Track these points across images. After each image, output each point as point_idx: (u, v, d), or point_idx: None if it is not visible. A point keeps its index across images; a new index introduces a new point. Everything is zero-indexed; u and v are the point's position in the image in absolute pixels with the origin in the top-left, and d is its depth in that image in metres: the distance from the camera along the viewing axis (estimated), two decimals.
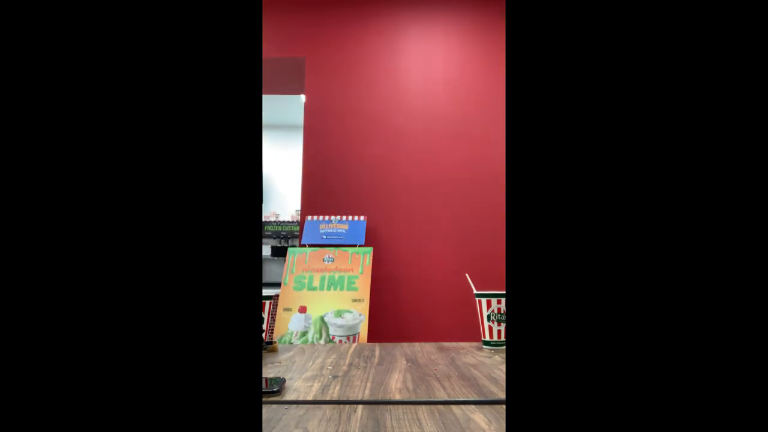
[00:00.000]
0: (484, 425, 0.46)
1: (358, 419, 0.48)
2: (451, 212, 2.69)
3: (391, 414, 0.49)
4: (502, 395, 0.57)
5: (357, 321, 2.28)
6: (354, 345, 1.01)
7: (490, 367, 0.75)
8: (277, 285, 2.94)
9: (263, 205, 6.12)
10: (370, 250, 2.50)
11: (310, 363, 0.80)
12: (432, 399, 0.55)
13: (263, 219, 5.99)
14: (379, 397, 0.56)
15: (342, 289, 2.39)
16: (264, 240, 5.90)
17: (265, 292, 0.97)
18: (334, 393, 0.59)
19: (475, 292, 1.00)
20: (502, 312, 0.96)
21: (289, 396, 0.57)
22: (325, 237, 2.59)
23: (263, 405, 0.53)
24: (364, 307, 2.32)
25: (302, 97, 3.06)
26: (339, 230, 2.58)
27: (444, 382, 0.64)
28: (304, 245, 2.60)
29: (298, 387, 0.62)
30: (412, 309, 2.56)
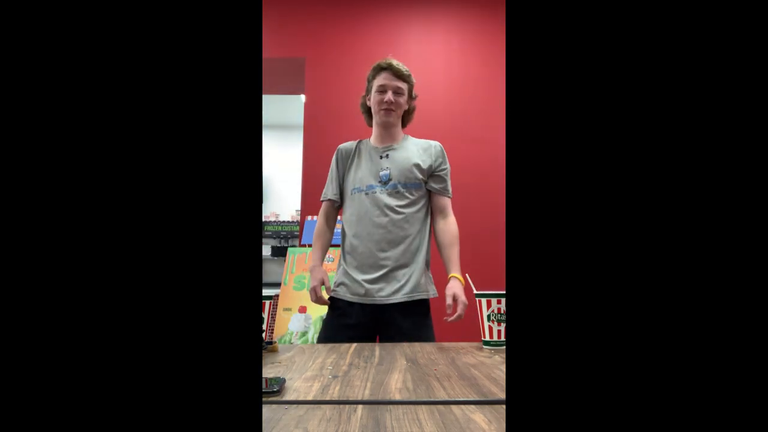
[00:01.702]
0: (484, 425, 0.46)
1: (358, 419, 0.48)
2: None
3: (391, 414, 0.49)
4: (502, 395, 0.57)
5: None
6: (354, 345, 1.01)
7: (490, 367, 0.75)
8: (277, 285, 2.93)
9: (263, 205, 6.12)
10: None
11: (310, 363, 0.80)
12: (432, 399, 0.55)
13: (263, 219, 5.99)
14: (379, 397, 0.56)
15: None
16: (264, 240, 5.90)
17: (265, 292, 0.97)
18: (334, 393, 0.59)
19: (475, 292, 1.00)
20: (502, 312, 0.96)
21: (289, 396, 0.57)
22: None
23: (263, 405, 0.53)
24: None
25: (302, 97, 3.05)
26: (339, 230, 2.58)
27: (444, 382, 0.64)
28: (304, 245, 2.60)
29: (298, 387, 0.62)
30: None
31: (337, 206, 1.52)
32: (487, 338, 0.97)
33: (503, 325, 0.96)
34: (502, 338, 0.96)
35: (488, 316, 0.96)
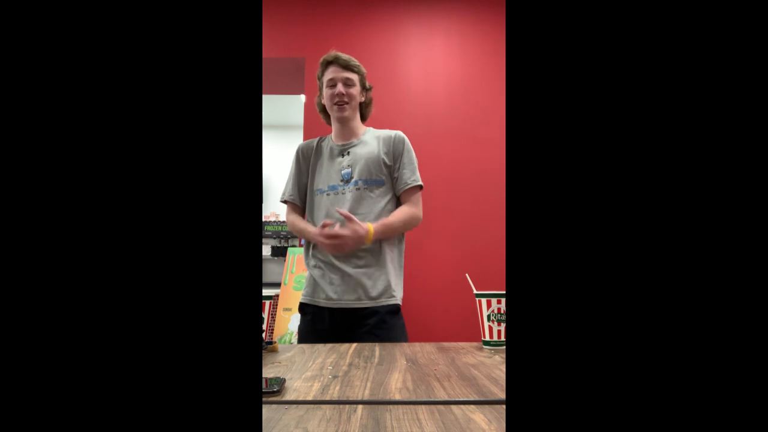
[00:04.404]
0: (484, 425, 0.46)
1: (358, 419, 0.48)
2: (451, 212, 2.69)
3: (391, 414, 0.49)
4: (502, 395, 0.57)
5: None
6: (354, 345, 1.01)
7: (490, 367, 0.75)
8: (277, 285, 2.93)
9: (263, 205, 6.12)
10: None
11: (310, 363, 0.80)
12: (432, 399, 0.55)
13: (263, 219, 5.99)
14: (379, 397, 0.56)
15: None
16: (264, 240, 5.90)
17: (265, 292, 0.97)
18: (334, 393, 0.59)
19: (475, 292, 1.00)
20: (502, 312, 0.96)
21: (289, 396, 0.57)
22: None
23: (263, 405, 0.53)
24: None
25: (302, 97, 3.05)
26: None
27: (444, 382, 0.64)
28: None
29: (298, 387, 0.62)
30: (412, 309, 2.56)
31: (300, 208, 1.45)
32: (487, 338, 0.97)
33: (503, 325, 0.96)
34: (502, 338, 0.96)
35: (488, 316, 0.96)
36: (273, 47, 2.85)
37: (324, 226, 1.25)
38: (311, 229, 1.34)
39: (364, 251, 1.31)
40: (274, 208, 6.19)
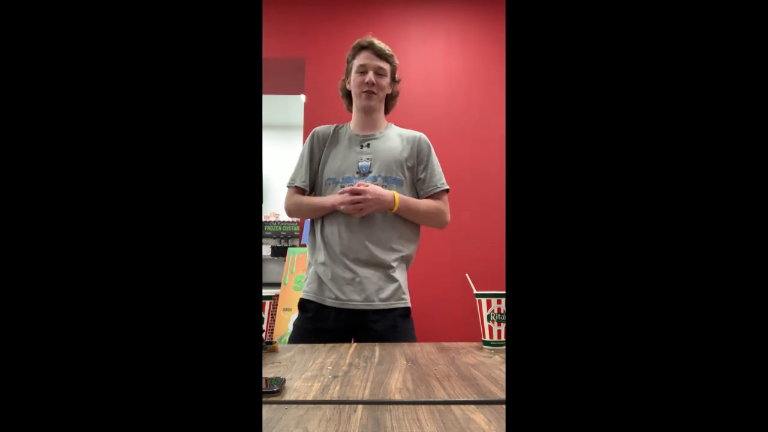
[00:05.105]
0: (484, 425, 0.46)
1: (358, 419, 0.48)
2: (452, 212, 2.69)
3: (391, 414, 0.49)
4: (502, 395, 0.57)
5: None
6: (354, 345, 1.01)
7: (490, 367, 0.75)
8: (277, 285, 2.93)
9: (263, 205, 6.12)
10: None
11: (310, 363, 0.80)
12: (432, 399, 0.55)
13: (263, 219, 5.99)
14: (379, 397, 0.56)
15: None
16: (264, 240, 5.90)
17: (265, 292, 0.97)
18: (334, 393, 0.59)
19: (475, 292, 1.00)
20: (502, 312, 0.96)
21: (289, 396, 0.57)
22: None
23: (263, 405, 0.53)
24: None
25: (302, 97, 3.06)
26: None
27: (444, 382, 0.64)
28: (304, 245, 2.60)
29: (298, 387, 0.62)
30: (413, 309, 2.55)
31: (307, 194, 1.36)
32: (487, 338, 0.97)
33: (503, 325, 0.96)
34: (502, 338, 0.96)
35: (488, 316, 0.96)
36: (273, 47, 2.85)
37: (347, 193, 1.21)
38: (328, 198, 1.26)
39: (372, 247, 1.24)
40: (274, 208, 6.19)
